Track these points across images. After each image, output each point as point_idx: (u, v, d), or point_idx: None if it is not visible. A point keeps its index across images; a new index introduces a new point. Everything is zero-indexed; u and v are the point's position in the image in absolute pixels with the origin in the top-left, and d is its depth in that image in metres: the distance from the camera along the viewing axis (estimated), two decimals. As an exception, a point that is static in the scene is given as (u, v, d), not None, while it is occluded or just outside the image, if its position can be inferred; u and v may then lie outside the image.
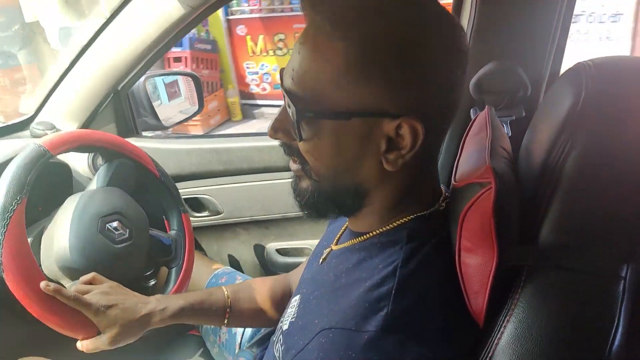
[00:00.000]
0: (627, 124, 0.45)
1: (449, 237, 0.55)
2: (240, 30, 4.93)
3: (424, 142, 0.51)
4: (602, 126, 0.46)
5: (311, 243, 1.34)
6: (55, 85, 1.22)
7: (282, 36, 4.84)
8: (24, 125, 1.25)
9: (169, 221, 1.08)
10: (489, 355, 0.49)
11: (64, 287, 0.82)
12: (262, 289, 0.91)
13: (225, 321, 0.85)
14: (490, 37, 0.90)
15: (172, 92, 1.37)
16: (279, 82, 0.56)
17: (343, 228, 0.70)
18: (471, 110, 0.93)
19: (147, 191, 1.07)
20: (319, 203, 0.59)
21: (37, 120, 1.25)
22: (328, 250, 0.69)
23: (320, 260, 0.70)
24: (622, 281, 0.46)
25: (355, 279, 0.56)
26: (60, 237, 0.85)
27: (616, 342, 0.45)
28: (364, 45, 0.48)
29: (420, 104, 0.50)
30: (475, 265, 0.51)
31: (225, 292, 0.86)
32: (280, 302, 0.90)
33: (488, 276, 0.49)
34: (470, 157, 0.61)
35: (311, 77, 0.51)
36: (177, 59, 4.72)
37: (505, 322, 0.49)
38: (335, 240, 0.70)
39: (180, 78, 1.38)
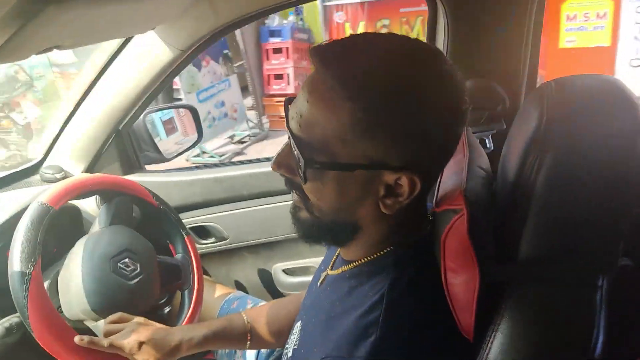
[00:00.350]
0: (587, 140, 0.48)
1: (434, 259, 0.58)
2: (339, 17, 4.55)
3: (420, 190, 0.54)
4: (565, 145, 0.49)
5: (316, 261, 1.38)
6: (60, 129, 1.27)
7: (386, 22, 4.40)
8: (34, 170, 1.30)
9: (174, 246, 1.13)
10: None
11: (87, 326, 0.87)
12: (279, 312, 0.95)
13: (248, 344, 0.91)
14: (465, 57, 0.93)
15: (170, 127, 1.42)
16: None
17: (337, 253, 0.73)
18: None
19: (150, 221, 1.12)
20: (317, 234, 0.62)
21: (46, 164, 1.30)
22: (324, 274, 0.73)
23: (319, 283, 0.73)
24: (599, 291, 0.48)
25: (348, 307, 0.59)
26: (75, 282, 0.89)
27: (597, 351, 0.47)
28: (371, 106, 0.50)
29: (421, 159, 0.54)
30: (461, 284, 0.53)
31: (245, 318, 0.92)
32: None
33: (473, 294, 0.51)
34: (449, 180, 0.64)
35: (318, 129, 0.53)
36: (278, 50, 4.47)
37: (492, 337, 0.51)
38: (331, 265, 0.73)
39: (174, 113, 1.43)
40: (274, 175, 0.62)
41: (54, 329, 0.79)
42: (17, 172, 1.30)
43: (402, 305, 0.56)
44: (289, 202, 0.65)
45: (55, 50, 0.70)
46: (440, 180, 0.68)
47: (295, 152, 0.56)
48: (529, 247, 0.51)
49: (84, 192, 0.98)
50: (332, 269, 0.72)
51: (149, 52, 1.09)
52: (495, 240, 0.55)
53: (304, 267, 1.40)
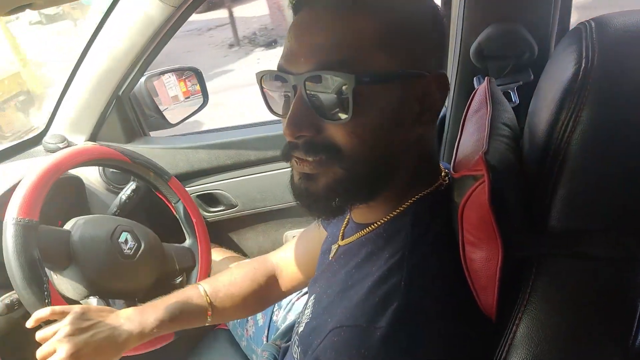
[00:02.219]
0: (634, 91, 0.41)
1: (453, 217, 0.52)
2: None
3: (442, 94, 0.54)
4: (609, 97, 0.42)
5: (329, 227, 1.33)
6: (60, 96, 1.22)
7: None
8: (37, 140, 1.27)
9: (162, 194, 1.08)
10: (503, 354, 0.47)
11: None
12: (244, 283, 0.87)
13: (209, 319, 0.83)
14: (488, -3, 0.83)
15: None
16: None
17: (345, 222, 0.68)
18: (474, 79, 0.87)
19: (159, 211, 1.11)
20: (349, 191, 0.54)
21: (49, 133, 1.26)
22: (336, 246, 0.68)
23: (330, 256, 0.68)
24: None
25: (365, 274, 0.55)
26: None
27: (639, 339, 0.42)
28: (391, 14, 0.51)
29: (439, 61, 0.55)
30: (481, 259, 0.48)
31: (203, 292, 0.83)
32: (265, 289, 0.89)
33: (495, 270, 0.46)
34: (469, 139, 0.58)
35: (348, 46, 0.50)
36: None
37: (517, 319, 0.46)
38: (340, 236, 0.68)
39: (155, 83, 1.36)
40: (282, 138, 0.55)
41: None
42: (20, 143, 1.27)
43: (426, 269, 0.51)
44: None
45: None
46: (460, 139, 0.61)
47: (329, 79, 0.49)
48: (560, 218, 0.45)
49: (53, 180, 0.88)
50: (342, 239, 0.67)
51: (140, 10, 1.01)
52: (523, 210, 0.48)
53: (317, 234, 1.35)
